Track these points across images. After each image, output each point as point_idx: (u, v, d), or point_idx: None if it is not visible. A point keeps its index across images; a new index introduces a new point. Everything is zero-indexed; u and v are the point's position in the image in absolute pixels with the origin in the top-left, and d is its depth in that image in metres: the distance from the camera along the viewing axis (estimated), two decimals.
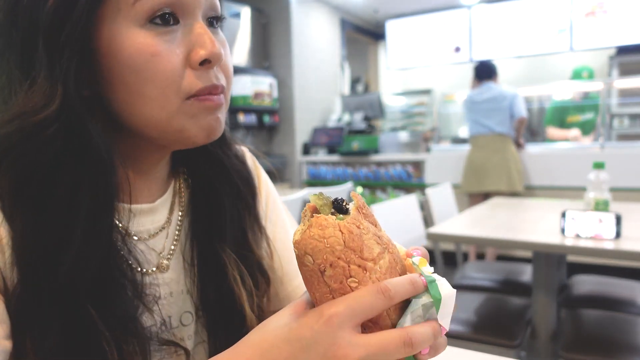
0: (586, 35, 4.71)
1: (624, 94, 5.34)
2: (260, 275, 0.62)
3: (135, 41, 0.45)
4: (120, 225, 0.51)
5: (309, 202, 0.42)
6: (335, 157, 4.70)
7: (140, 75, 0.45)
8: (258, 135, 4.92)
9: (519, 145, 3.65)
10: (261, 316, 0.60)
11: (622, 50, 5.31)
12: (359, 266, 0.39)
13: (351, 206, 0.42)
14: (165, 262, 0.57)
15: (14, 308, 0.42)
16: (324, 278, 0.38)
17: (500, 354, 0.71)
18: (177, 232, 0.60)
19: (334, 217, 0.40)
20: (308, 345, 0.37)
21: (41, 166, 0.44)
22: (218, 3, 0.52)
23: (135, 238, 0.55)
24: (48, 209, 0.44)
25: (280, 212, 0.71)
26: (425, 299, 0.40)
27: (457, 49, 5.45)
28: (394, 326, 0.40)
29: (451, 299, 0.40)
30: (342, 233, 0.39)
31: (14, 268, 0.43)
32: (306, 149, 5.00)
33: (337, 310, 0.37)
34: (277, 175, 0.75)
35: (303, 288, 0.69)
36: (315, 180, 4.81)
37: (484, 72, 3.63)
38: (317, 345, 0.36)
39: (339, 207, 0.42)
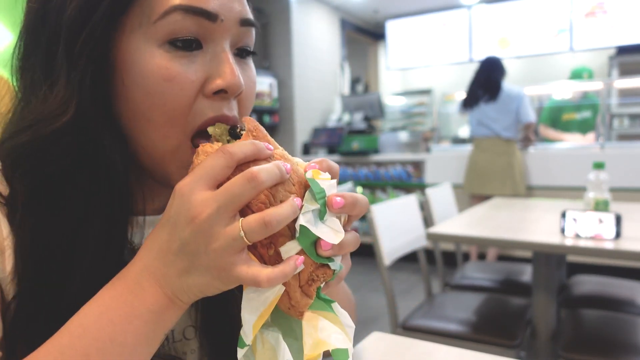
0: (586, 36, 4.72)
1: (624, 94, 5.35)
2: None
3: (150, 61, 0.43)
4: (133, 243, 0.50)
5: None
6: (335, 157, 4.69)
7: (149, 97, 0.43)
8: None
9: (528, 142, 3.56)
10: None
11: (622, 50, 5.31)
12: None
13: None
14: None
15: (11, 317, 0.42)
16: None
17: (500, 354, 0.71)
18: None
19: (219, 143, 0.41)
20: (175, 221, 0.38)
21: (55, 177, 0.43)
22: (252, 35, 0.49)
23: None
24: (59, 223, 0.43)
25: None
26: (315, 205, 0.40)
27: (457, 49, 5.46)
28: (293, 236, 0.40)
29: (331, 188, 0.41)
30: None
31: (14, 276, 0.42)
32: (306, 149, 5.00)
33: (184, 181, 0.39)
34: None
35: None
36: None
37: (497, 75, 3.42)
38: (180, 216, 0.38)
39: (234, 133, 0.44)
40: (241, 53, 0.49)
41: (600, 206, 1.71)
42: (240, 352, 0.41)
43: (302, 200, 0.40)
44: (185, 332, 0.56)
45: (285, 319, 0.42)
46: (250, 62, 0.51)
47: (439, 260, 2.21)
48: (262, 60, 4.91)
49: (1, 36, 2.43)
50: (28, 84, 0.45)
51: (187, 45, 0.44)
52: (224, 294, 0.56)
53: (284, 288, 0.40)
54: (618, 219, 1.46)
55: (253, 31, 0.49)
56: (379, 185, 4.47)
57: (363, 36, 6.63)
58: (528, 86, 4.01)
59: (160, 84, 0.43)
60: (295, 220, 0.39)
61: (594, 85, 4.09)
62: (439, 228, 1.77)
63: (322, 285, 0.42)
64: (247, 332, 0.40)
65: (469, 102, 3.54)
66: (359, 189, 4.47)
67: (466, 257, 3.64)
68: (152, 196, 0.52)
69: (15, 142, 0.43)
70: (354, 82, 6.56)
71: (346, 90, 5.94)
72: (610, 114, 5.04)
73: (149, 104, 0.43)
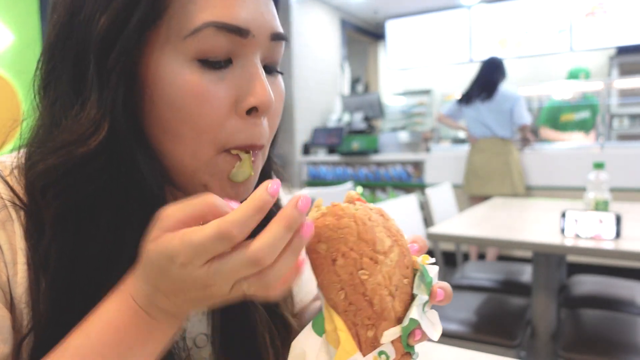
0: (586, 36, 4.71)
1: (624, 94, 5.35)
2: (285, 332, 0.59)
3: (179, 77, 0.41)
4: None
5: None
6: (335, 157, 4.70)
7: (179, 114, 0.41)
8: None
9: (527, 143, 3.58)
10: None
11: (622, 50, 5.31)
12: (371, 259, 0.39)
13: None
14: None
15: (34, 338, 0.41)
16: (335, 267, 0.38)
17: (500, 354, 0.71)
18: None
19: (351, 205, 0.40)
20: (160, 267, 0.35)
21: (87, 200, 0.41)
22: (281, 49, 0.48)
23: None
24: (91, 248, 0.41)
25: None
26: (425, 297, 0.40)
27: (457, 49, 5.46)
28: (400, 320, 0.40)
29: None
30: (357, 225, 0.39)
31: (28, 291, 0.41)
32: (306, 149, 4.99)
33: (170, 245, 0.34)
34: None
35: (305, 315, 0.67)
36: (315, 181, 4.81)
37: (496, 76, 3.43)
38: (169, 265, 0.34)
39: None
40: (269, 69, 0.48)
41: (600, 206, 1.71)
42: None
43: (412, 287, 0.41)
44: (197, 340, 0.55)
45: None
46: (279, 78, 0.49)
47: (439, 260, 2.21)
48: None
49: (1, 36, 2.42)
50: (54, 101, 0.43)
51: (217, 63, 0.42)
52: (247, 337, 0.54)
53: None
54: (618, 219, 1.46)
55: (283, 44, 0.48)
56: (379, 185, 4.47)
57: (363, 36, 6.63)
58: (528, 86, 4.02)
59: (189, 101, 0.41)
60: (403, 306, 0.40)
61: (594, 86, 4.09)
62: (439, 228, 1.77)
63: None
64: None
65: (464, 99, 3.58)
66: (359, 189, 4.47)
67: (466, 257, 3.64)
68: None
69: (47, 165, 0.41)
70: (354, 82, 6.56)
71: (346, 90, 5.94)
72: (610, 114, 5.04)
73: (177, 120, 0.42)
